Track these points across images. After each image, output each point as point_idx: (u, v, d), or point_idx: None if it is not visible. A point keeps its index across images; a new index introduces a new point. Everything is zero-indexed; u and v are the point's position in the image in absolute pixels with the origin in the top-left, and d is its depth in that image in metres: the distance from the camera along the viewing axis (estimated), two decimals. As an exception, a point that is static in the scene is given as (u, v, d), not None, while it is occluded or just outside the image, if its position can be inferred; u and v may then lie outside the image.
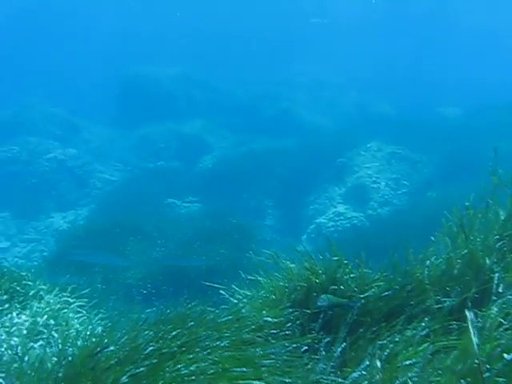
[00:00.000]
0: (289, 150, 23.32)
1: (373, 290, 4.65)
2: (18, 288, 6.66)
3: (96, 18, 45.61)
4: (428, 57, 45.05)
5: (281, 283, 5.24)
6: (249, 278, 6.60)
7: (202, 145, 25.81)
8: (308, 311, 4.64)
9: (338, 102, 31.24)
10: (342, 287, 4.75)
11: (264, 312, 4.64)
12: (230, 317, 4.56)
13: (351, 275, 4.88)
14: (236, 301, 5.56)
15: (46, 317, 6.04)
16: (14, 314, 6.16)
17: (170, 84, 30.57)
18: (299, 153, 22.57)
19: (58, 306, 6.69)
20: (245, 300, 5.30)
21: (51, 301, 6.79)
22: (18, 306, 6.45)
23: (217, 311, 5.03)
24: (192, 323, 4.39)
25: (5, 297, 6.37)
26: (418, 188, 19.75)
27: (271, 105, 30.27)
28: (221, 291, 12.10)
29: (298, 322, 4.56)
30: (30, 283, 6.99)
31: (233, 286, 6.16)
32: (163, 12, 45.44)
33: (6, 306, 6.37)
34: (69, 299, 7.05)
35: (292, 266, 5.14)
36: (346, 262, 5.06)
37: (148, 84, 30.05)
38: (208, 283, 12.41)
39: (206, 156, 24.97)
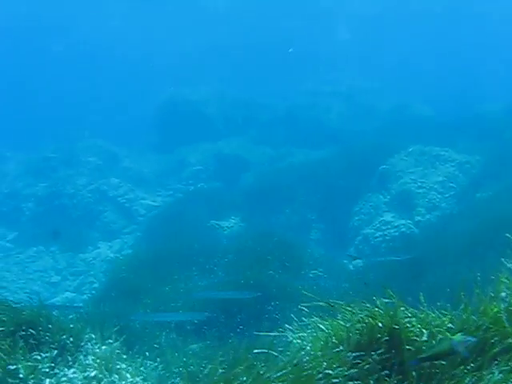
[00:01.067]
0: (329, 160, 22.90)
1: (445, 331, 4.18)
2: (68, 341, 6.43)
3: (124, 46, 46.37)
4: (460, 54, 43.84)
5: (339, 322, 4.73)
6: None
7: (240, 162, 25.69)
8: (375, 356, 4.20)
9: (375, 107, 30.64)
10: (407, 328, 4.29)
11: (325, 361, 4.18)
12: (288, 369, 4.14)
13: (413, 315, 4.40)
14: (291, 338, 5.12)
15: (96, 371, 5.79)
16: (66, 369, 5.97)
17: (204, 104, 30.62)
18: (340, 162, 22.11)
19: (108, 354, 6.47)
20: (301, 342, 4.88)
21: (101, 350, 6.58)
22: (70, 358, 6.25)
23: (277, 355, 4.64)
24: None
25: (55, 352, 6.15)
26: (467, 190, 19.04)
27: (308, 115, 29.94)
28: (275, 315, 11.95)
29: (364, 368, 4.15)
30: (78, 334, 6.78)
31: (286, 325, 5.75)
32: (185, 33, 45.82)
33: (58, 359, 6.18)
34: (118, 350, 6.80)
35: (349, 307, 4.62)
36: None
37: (182, 106, 30.19)
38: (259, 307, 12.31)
39: (246, 174, 24.82)
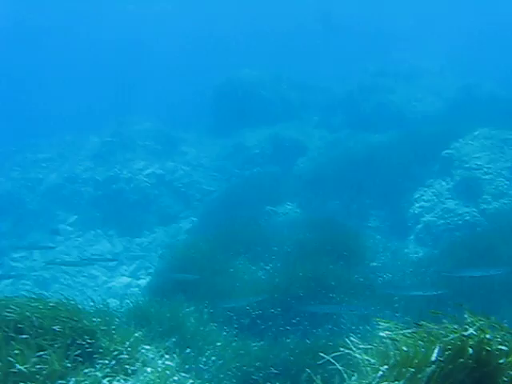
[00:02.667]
0: (389, 144, 22.06)
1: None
2: (123, 354, 6.14)
3: (180, 27, 46.21)
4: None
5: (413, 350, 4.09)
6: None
7: (298, 147, 25.13)
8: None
9: (439, 88, 29.27)
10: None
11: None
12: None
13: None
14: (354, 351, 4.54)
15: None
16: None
17: (261, 86, 30.13)
18: (401, 146, 21.23)
19: (163, 367, 6.16)
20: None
21: (157, 363, 6.29)
22: (122, 373, 5.96)
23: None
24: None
25: (113, 362, 5.87)
26: (538, 176, 17.87)
27: (368, 97, 28.97)
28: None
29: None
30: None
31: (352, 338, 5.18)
32: (241, 15, 45.21)
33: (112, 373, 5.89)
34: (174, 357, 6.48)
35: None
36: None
37: (240, 89, 29.79)
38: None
39: (303, 158, 24.28)
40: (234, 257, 13.69)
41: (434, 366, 3.40)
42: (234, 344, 9.34)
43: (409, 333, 4.02)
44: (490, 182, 18.19)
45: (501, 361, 3.54)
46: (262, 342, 9.48)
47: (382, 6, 45.08)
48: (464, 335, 3.69)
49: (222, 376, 7.84)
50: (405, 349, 3.69)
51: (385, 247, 15.99)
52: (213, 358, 8.32)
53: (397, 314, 10.44)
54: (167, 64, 41.37)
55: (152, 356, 6.68)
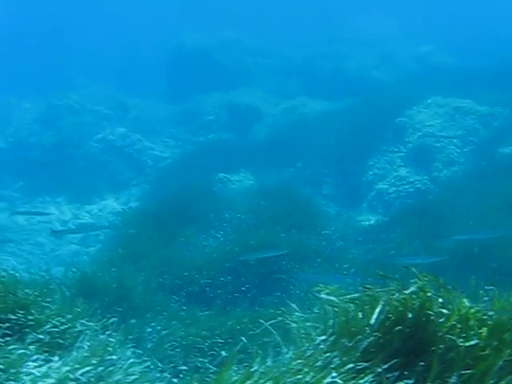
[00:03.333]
0: (344, 111, 22.00)
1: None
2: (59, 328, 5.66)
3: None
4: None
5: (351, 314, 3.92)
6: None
7: (253, 113, 24.82)
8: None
9: (394, 56, 29.28)
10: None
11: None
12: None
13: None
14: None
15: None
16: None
17: (216, 51, 29.49)
18: (355, 114, 21.17)
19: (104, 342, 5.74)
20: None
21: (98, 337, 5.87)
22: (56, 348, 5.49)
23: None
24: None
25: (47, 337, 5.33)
26: (488, 144, 18.07)
27: (324, 64, 28.82)
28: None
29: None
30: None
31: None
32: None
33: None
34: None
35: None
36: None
37: (194, 53, 29.09)
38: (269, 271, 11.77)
39: (258, 125, 24.02)
40: (186, 224, 13.39)
41: (370, 335, 3.24)
42: (181, 313, 9.14)
43: (350, 298, 3.87)
44: (442, 149, 18.36)
45: (438, 327, 3.41)
46: (209, 311, 9.30)
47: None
48: (405, 293, 3.56)
49: (166, 346, 7.64)
50: (343, 317, 3.53)
51: (337, 215, 15.97)
52: (158, 327, 8.10)
53: (347, 281, 10.41)
54: (118, 26, 40.05)
55: (93, 329, 6.33)
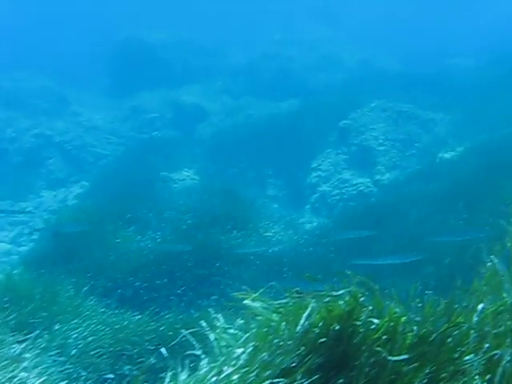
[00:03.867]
0: (289, 113, 21.94)
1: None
2: None
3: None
4: (433, 6, 42.57)
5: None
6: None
7: (198, 112, 24.46)
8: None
9: (340, 59, 29.47)
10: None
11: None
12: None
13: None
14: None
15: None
16: None
17: (163, 49, 28.95)
18: (300, 116, 21.14)
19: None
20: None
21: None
22: None
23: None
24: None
25: None
26: (429, 149, 18.34)
27: (271, 66, 28.71)
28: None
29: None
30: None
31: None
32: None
33: None
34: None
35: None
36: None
37: (140, 50, 28.47)
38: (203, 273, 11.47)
39: (203, 124, 23.65)
40: (124, 225, 12.90)
41: (292, 349, 2.99)
42: (111, 318, 8.71)
43: (275, 305, 3.64)
44: (384, 153, 18.51)
45: (365, 339, 3.21)
46: (141, 316, 8.89)
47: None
48: (334, 299, 3.34)
49: (92, 353, 7.22)
50: (265, 328, 3.28)
51: (280, 216, 15.79)
52: (84, 333, 7.66)
53: (284, 284, 10.22)
54: (61, 18, 38.70)
55: (9, 340, 5.91)
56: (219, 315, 3.93)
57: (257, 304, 3.70)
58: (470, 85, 21.42)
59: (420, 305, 3.67)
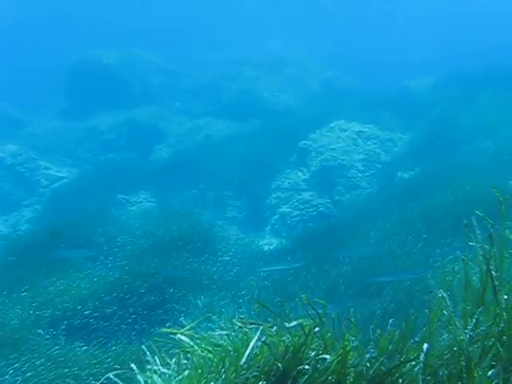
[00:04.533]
0: (249, 134, 21.73)
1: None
2: None
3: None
4: (392, 28, 43.44)
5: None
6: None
7: (156, 133, 23.99)
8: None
9: (301, 80, 29.53)
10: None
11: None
12: None
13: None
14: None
15: None
16: None
17: (120, 68, 28.44)
18: (260, 136, 20.96)
19: None
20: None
21: None
22: None
23: None
24: None
25: None
26: (388, 169, 18.31)
27: (231, 85, 28.53)
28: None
29: None
30: None
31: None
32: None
33: None
34: None
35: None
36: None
37: (96, 70, 27.86)
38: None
39: (161, 145, 23.21)
40: (76, 250, 12.30)
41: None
42: (55, 350, 8.16)
43: (211, 342, 3.27)
44: (344, 173, 18.38)
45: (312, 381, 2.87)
46: (88, 347, 8.36)
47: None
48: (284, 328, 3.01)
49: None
50: (198, 370, 2.91)
51: (238, 239, 15.41)
52: (23, 368, 7.10)
53: (240, 310, 9.84)
54: (15, 39, 37.88)
55: None
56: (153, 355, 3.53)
57: (190, 340, 3.32)
58: (428, 104, 21.59)
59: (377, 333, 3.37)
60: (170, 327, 9.59)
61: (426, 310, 3.32)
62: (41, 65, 33.30)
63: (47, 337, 8.83)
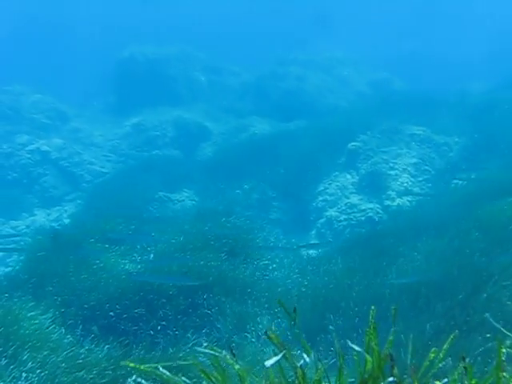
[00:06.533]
0: (296, 134, 21.03)
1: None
2: None
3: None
4: (447, 31, 41.97)
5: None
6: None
7: (202, 131, 23.58)
8: None
9: (351, 80, 28.66)
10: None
11: None
12: None
13: None
14: None
15: None
16: None
17: (168, 65, 28.21)
18: (307, 137, 20.20)
19: None
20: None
21: None
22: None
23: None
24: None
25: None
26: (443, 174, 17.27)
27: (279, 85, 27.88)
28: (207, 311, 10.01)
29: None
30: None
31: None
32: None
33: None
34: None
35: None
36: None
37: (144, 66, 27.73)
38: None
39: (206, 143, 22.79)
40: (108, 247, 11.84)
41: None
42: (75, 351, 7.65)
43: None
44: (395, 177, 17.45)
45: None
46: (108, 350, 7.81)
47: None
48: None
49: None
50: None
51: (281, 242, 14.72)
52: (38, 370, 6.61)
53: (278, 320, 9.15)
54: (67, 37, 38.27)
55: None
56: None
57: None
58: (486, 108, 20.40)
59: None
60: (205, 334, 8.96)
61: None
62: (90, 60, 33.47)
63: (68, 337, 8.35)
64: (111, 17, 40.73)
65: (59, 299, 9.25)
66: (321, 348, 9.01)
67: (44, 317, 8.48)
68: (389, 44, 36.75)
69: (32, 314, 8.36)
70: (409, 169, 17.73)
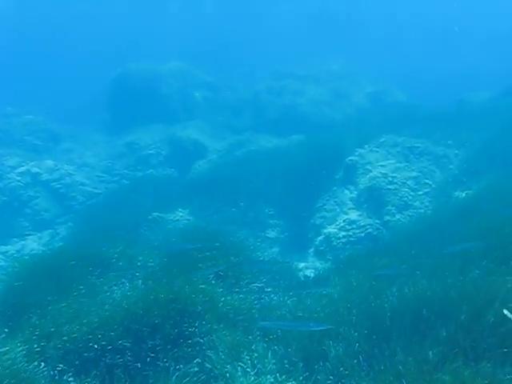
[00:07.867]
0: (293, 149, 20.58)
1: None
2: None
3: (80, 18, 42.91)
4: (445, 41, 41.79)
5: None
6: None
7: (197, 148, 23.15)
8: None
9: (347, 94, 28.22)
10: None
11: None
12: None
13: None
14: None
15: None
16: None
17: (162, 82, 27.84)
18: (304, 152, 19.73)
19: None
20: None
21: None
22: None
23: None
24: None
25: None
26: (444, 187, 16.72)
27: (275, 100, 27.51)
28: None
29: None
30: None
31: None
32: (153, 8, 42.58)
33: None
34: None
35: None
36: None
37: (138, 83, 27.37)
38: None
39: (201, 161, 22.31)
40: (94, 272, 11.28)
41: None
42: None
43: None
44: (395, 192, 16.90)
45: None
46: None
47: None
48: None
49: None
50: None
51: (276, 261, 14.16)
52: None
53: (275, 347, 8.57)
54: (58, 56, 37.98)
55: None
56: None
57: None
58: (486, 119, 19.89)
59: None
60: (198, 364, 8.33)
61: None
62: (82, 80, 33.15)
63: (51, 373, 7.77)
64: (105, 34, 40.52)
65: (37, 331, 8.65)
66: (319, 377, 8.46)
67: (19, 350, 7.90)
68: (386, 57, 36.45)
69: (6, 348, 7.79)
70: (408, 182, 17.19)
